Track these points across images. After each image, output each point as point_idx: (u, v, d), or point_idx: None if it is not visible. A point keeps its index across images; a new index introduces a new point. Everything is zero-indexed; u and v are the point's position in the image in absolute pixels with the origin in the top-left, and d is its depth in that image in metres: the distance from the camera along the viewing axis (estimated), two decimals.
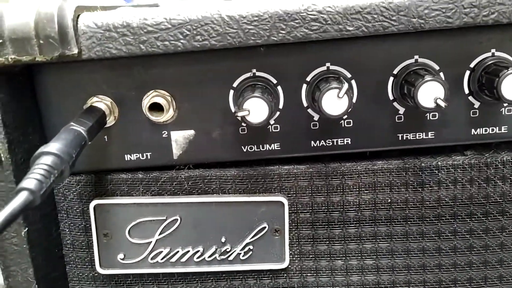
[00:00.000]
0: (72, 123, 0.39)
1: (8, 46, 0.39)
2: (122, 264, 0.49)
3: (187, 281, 0.50)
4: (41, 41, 0.39)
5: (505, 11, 0.39)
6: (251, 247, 0.49)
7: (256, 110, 0.41)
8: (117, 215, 0.49)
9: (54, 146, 0.35)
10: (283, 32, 0.39)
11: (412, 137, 0.46)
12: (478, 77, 0.43)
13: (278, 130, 0.47)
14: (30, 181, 0.31)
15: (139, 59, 0.43)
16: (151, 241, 0.49)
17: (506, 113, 0.45)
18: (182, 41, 0.39)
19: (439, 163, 0.47)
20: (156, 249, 0.49)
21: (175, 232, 0.49)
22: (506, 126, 0.46)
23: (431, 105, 0.41)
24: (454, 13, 0.39)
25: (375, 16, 0.39)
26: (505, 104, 0.45)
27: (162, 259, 0.49)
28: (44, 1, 0.39)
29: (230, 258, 0.49)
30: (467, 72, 0.44)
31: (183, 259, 0.49)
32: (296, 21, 0.39)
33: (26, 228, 0.43)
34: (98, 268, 0.49)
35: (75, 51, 0.39)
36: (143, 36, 0.39)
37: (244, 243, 0.49)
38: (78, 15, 0.40)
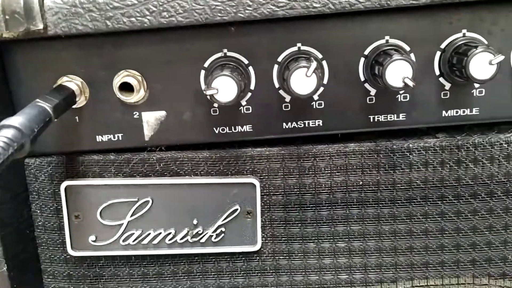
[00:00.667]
0: (37, 100, 0.39)
1: None
2: (93, 246, 0.49)
3: (160, 264, 0.50)
4: (7, 17, 0.39)
5: None
6: (223, 229, 0.49)
7: (224, 89, 0.41)
8: (88, 196, 0.48)
9: (15, 119, 0.34)
10: (250, 8, 0.39)
11: (384, 119, 0.46)
12: (448, 58, 0.43)
13: (250, 111, 0.47)
14: None
15: (109, 38, 0.43)
16: (123, 223, 0.49)
17: (477, 94, 0.45)
18: (148, 17, 0.39)
19: (410, 145, 0.47)
20: (128, 231, 0.49)
21: (147, 214, 0.49)
22: (478, 108, 0.46)
23: (399, 84, 0.41)
24: None
25: None
26: (477, 86, 0.45)
27: (133, 241, 0.49)
28: None
29: (202, 240, 0.49)
30: (438, 53, 0.44)
31: (155, 241, 0.49)
32: None
33: None
34: (70, 250, 0.49)
35: (40, 26, 0.39)
36: (109, 12, 0.39)
37: (216, 226, 0.49)
38: None
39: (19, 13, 0.39)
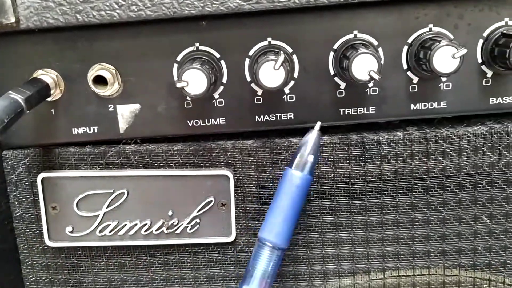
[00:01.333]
0: (10, 92, 0.40)
1: None
2: (70, 237, 0.50)
3: (136, 255, 0.51)
4: None
5: None
6: (197, 220, 0.50)
7: (195, 81, 0.42)
8: (65, 188, 0.49)
9: None
10: (217, 2, 0.40)
11: (354, 112, 0.47)
12: (415, 52, 0.44)
13: (223, 104, 0.47)
14: None
15: (83, 32, 0.44)
16: (99, 214, 0.50)
17: (444, 88, 0.46)
18: (117, 11, 0.40)
19: (380, 138, 0.47)
20: (104, 222, 0.50)
21: (123, 205, 0.50)
22: (445, 101, 0.46)
23: (365, 77, 0.41)
24: None
25: None
26: (444, 79, 0.46)
27: (110, 232, 0.50)
28: None
29: (177, 231, 0.50)
30: (405, 47, 0.45)
31: (131, 232, 0.50)
32: None
33: None
34: (47, 241, 0.50)
35: (12, 20, 0.40)
36: (79, 5, 0.40)
37: (191, 217, 0.50)
38: None
39: None
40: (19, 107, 0.40)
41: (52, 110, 0.47)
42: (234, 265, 0.51)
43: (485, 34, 0.44)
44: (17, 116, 0.39)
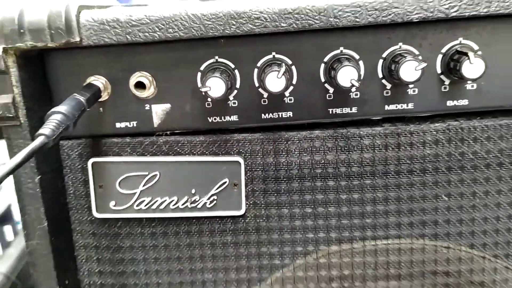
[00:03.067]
0: (75, 94, 0.52)
1: (28, 35, 0.52)
2: (113, 210, 0.62)
3: (165, 225, 0.63)
4: (52, 31, 0.52)
5: (400, 12, 0.52)
6: (215, 197, 0.62)
7: (215, 87, 0.54)
8: (109, 170, 0.61)
9: (62, 107, 0.48)
10: (234, 27, 0.52)
11: (340, 111, 0.59)
12: (388, 65, 0.56)
13: (236, 105, 0.59)
14: (45, 129, 0.44)
15: (128, 47, 0.56)
16: (136, 192, 0.62)
17: (412, 93, 0.58)
18: (158, 33, 0.52)
19: (362, 132, 0.60)
20: (140, 198, 0.62)
21: (155, 185, 0.62)
22: (412, 103, 0.58)
23: (348, 84, 0.54)
24: (360, 14, 0.51)
25: (302, 15, 0.52)
26: (411, 86, 0.58)
27: (144, 206, 0.62)
28: (55, 2, 0.52)
29: (199, 206, 0.62)
30: (380, 61, 0.57)
31: (161, 207, 0.62)
32: (244, 18, 0.52)
33: (39, 176, 0.56)
34: (95, 213, 0.62)
35: (77, 39, 0.52)
36: (129, 28, 0.52)
37: (209, 194, 0.62)
38: (80, 12, 0.53)
39: (61, 29, 0.52)
40: (82, 106, 0.52)
41: (101, 108, 0.60)
42: (243, 233, 0.63)
43: (443, 50, 0.56)
44: (82, 113, 0.51)
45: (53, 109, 0.48)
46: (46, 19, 0.51)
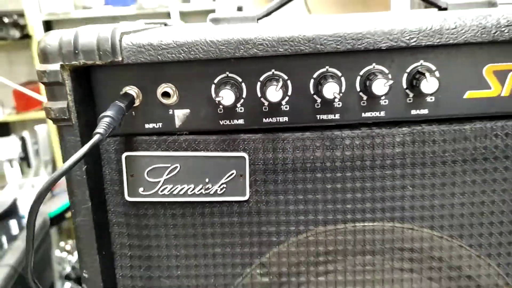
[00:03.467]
0: (116, 101, 0.67)
1: (80, 55, 0.66)
2: (141, 195, 0.77)
3: (183, 207, 0.77)
4: (100, 52, 0.66)
5: (371, 41, 0.66)
6: (224, 185, 0.76)
7: (226, 97, 0.68)
8: (139, 162, 0.76)
9: (110, 112, 0.62)
10: (242, 50, 0.67)
11: (326, 117, 0.73)
12: (363, 81, 0.70)
13: (243, 111, 0.73)
14: (100, 129, 0.58)
15: (157, 64, 0.71)
16: (160, 180, 0.76)
17: (383, 103, 0.72)
18: (182, 54, 0.67)
19: (343, 134, 0.74)
20: (164, 185, 0.76)
21: (176, 175, 0.76)
22: (384, 111, 0.72)
23: (331, 97, 0.68)
24: (341, 42, 0.66)
25: (296, 43, 0.66)
26: (382, 98, 0.72)
27: (167, 192, 0.76)
28: (103, 29, 0.67)
29: (211, 192, 0.76)
30: (358, 77, 0.71)
31: (181, 192, 0.76)
32: (249, 45, 0.66)
33: (85, 166, 0.71)
34: (126, 197, 0.76)
35: (120, 59, 0.66)
36: (160, 51, 0.67)
37: (220, 183, 0.76)
38: (122, 37, 0.67)
39: (108, 51, 0.66)
40: (123, 111, 0.66)
41: (133, 112, 0.74)
42: (247, 215, 0.77)
43: (407, 70, 0.70)
44: (123, 116, 0.66)
45: (103, 113, 0.62)
46: (96, 42, 0.66)
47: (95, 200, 0.73)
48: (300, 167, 0.75)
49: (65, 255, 4.21)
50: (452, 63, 0.70)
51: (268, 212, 0.77)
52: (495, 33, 0.67)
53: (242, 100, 0.72)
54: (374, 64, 0.70)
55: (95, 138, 0.58)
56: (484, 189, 0.75)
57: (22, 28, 4.65)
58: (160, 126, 0.74)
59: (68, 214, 4.68)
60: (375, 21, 0.67)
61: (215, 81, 0.72)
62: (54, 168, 5.48)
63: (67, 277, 4.04)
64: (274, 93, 0.68)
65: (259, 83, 0.72)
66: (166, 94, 0.72)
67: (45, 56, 0.66)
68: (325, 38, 0.66)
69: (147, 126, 0.74)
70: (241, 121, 0.74)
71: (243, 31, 0.67)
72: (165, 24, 0.89)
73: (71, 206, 0.73)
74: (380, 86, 0.67)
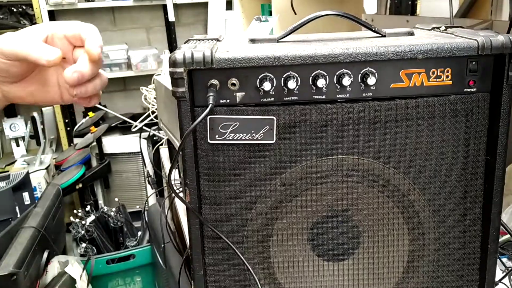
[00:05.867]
0: (210, 93, 1.28)
1: (194, 64, 1.26)
2: (216, 139, 1.34)
3: (239, 146, 1.39)
4: (204, 62, 1.27)
5: (343, 58, 1.29)
6: (262, 134, 1.31)
7: (266, 86, 1.30)
8: (216, 121, 1.34)
9: (211, 98, 1.23)
10: (274, 60, 1.29)
11: (318, 97, 1.36)
12: (338, 78, 1.33)
13: (273, 93, 1.35)
14: (210, 102, 1.20)
15: (230, 68, 1.31)
16: (227, 131, 1.37)
17: (348, 89, 1.35)
18: (245, 63, 1.28)
19: (327, 106, 1.37)
20: (229, 134, 1.36)
21: (236, 129, 1.37)
22: (348, 94, 1.36)
23: (321, 86, 1.31)
24: (326, 58, 1.28)
25: (302, 58, 1.28)
26: (347, 87, 1.35)
27: (231, 138, 1.37)
28: (203, 46, 1.27)
29: (255, 138, 1.37)
30: (335, 76, 1.34)
31: (238, 138, 1.37)
32: (278, 58, 1.28)
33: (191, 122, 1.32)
34: (209, 140, 1.36)
35: (213, 66, 1.27)
36: (233, 62, 1.27)
37: (260, 133, 1.34)
38: (215, 53, 1.28)
39: (208, 62, 1.25)
40: (215, 94, 1.27)
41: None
42: (273, 151, 1.37)
43: (361, 72, 1.33)
44: (215, 97, 1.27)
45: (209, 94, 1.23)
46: (202, 56, 1.26)
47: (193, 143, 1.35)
48: (303, 124, 1.32)
49: (77, 220, 4.78)
50: (383, 69, 1.34)
51: (286, 150, 1.32)
52: (406, 53, 1.31)
53: (273, 87, 1.34)
54: (343, 69, 1.33)
55: (208, 108, 1.19)
56: (402, 136, 1.40)
57: (31, 17, 5.09)
58: (228, 101, 1.27)
59: (78, 186, 5.21)
60: (345, 47, 1.30)
61: (259, 77, 1.33)
62: (57, 146, 5.98)
63: (81, 239, 4.65)
64: (291, 84, 1.30)
65: (282, 79, 1.34)
66: (232, 84, 1.27)
67: (174, 64, 1.26)
68: (319, 55, 1.28)
69: (221, 101, 1.30)
70: (271, 99, 1.28)
71: (273, 50, 1.29)
72: (218, 40, 1.49)
73: (182, 147, 1.34)
74: (346, 81, 1.31)
